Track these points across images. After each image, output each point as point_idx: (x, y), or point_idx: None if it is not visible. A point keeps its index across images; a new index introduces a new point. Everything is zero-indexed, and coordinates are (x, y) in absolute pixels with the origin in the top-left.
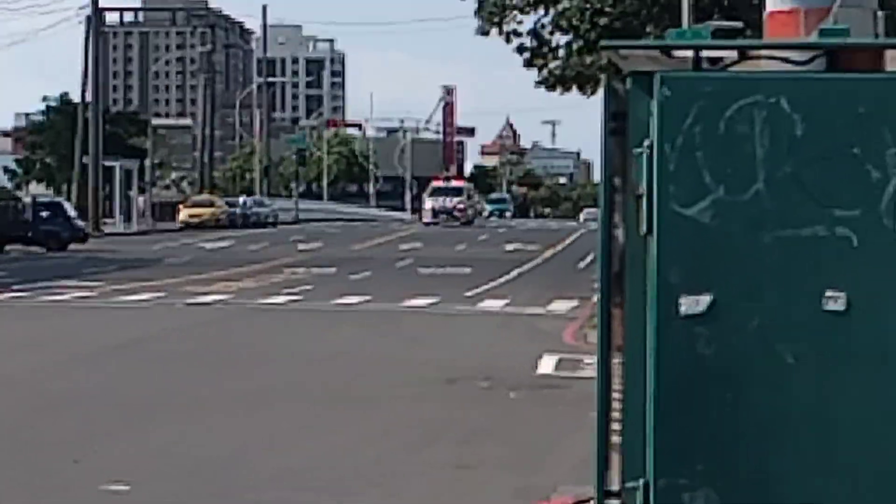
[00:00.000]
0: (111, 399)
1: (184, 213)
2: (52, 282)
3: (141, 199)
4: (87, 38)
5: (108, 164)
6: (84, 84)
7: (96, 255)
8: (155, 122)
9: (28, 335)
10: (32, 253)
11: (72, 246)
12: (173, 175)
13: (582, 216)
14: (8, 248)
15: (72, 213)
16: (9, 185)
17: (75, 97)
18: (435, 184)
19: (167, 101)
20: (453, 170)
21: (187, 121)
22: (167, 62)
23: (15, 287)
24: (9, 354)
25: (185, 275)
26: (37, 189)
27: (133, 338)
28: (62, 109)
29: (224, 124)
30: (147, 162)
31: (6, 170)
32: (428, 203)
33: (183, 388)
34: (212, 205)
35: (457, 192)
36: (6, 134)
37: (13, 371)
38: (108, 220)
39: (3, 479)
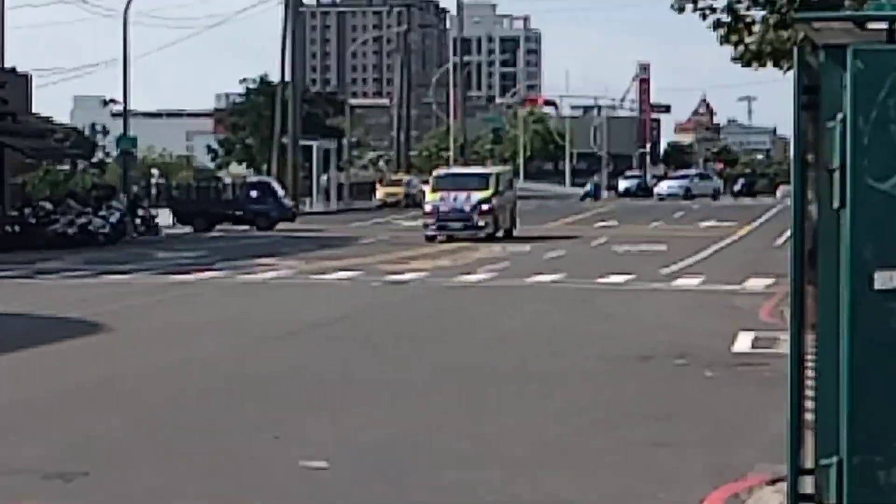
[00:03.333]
0: (306, 378)
1: (381, 192)
2: (251, 260)
3: (323, 177)
4: (285, 19)
5: (306, 143)
6: (283, 65)
7: (295, 234)
8: (352, 101)
9: (227, 314)
10: (234, 232)
11: (279, 225)
12: (370, 154)
13: (779, 193)
14: (216, 227)
15: (280, 192)
16: (211, 165)
17: (274, 78)
18: (441, 171)
19: (364, 81)
20: (648, 147)
21: (384, 100)
22: (364, 42)
23: (215, 266)
24: (209, 334)
25: (382, 253)
26: (237, 169)
27: (328, 317)
28: (261, 90)
29: (420, 103)
30: (344, 141)
31: (209, 149)
32: (428, 203)
33: (374, 366)
34: (408, 184)
35: (478, 182)
36: (207, 115)
37: (213, 350)
38: (305, 200)
39: (206, 456)
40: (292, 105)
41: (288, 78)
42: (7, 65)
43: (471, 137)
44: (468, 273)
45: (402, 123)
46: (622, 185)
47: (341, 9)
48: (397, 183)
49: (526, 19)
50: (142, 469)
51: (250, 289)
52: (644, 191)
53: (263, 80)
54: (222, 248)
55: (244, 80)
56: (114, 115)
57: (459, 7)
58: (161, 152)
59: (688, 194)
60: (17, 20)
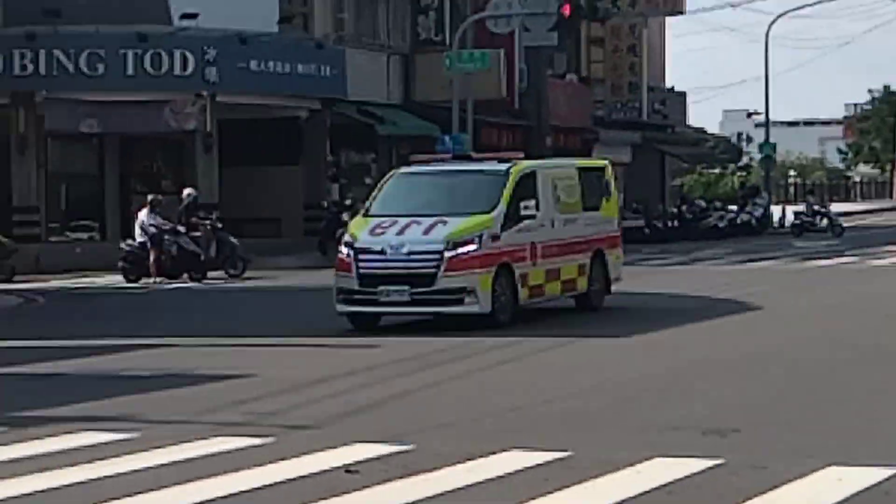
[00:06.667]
0: None
1: None
2: (880, 248)
3: None
4: None
5: None
6: None
7: None
8: None
9: (859, 295)
10: None
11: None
12: None
13: None
14: None
15: None
16: (840, 166)
17: None
18: (404, 168)
19: None
20: None
21: None
22: None
23: (846, 253)
24: (844, 312)
25: None
26: (864, 169)
27: None
28: (885, 100)
29: None
30: None
31: (839, 152)
32: (346, 242)
33: None
34: None
35: (469, 193)
36: (837, 122)
37: (849, 327)
38: None
39: (838, 420)
40: None
41: None
42: (667, 85)
43: None
44: None
45: None
46: None
47: None
48: None
49: None
50: (783, 428)
51: (880, 272)
52: None
53: (887, 90)
54: (855, 238)
55: (871, 90)
56: (756, 125)
57: None
58: (798, 156)
59: None
60: (678, 46)
